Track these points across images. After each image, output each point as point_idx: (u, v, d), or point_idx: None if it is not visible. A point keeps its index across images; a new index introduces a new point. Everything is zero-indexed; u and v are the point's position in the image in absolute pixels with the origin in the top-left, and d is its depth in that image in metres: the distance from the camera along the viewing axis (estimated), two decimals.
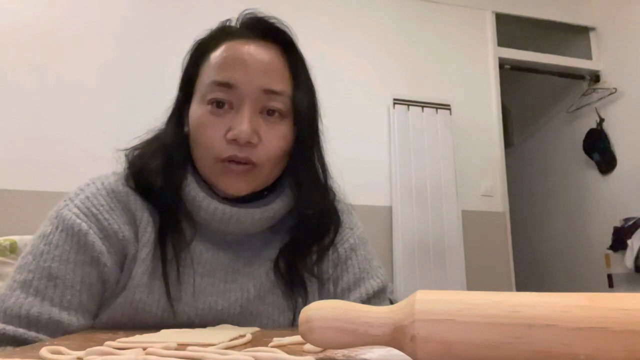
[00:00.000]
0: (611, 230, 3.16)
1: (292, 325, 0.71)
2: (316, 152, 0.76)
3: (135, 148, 0.72)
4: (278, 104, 0.69)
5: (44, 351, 0.40)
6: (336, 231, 0.78)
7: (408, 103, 3.01)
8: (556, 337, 0.32)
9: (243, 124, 0.65)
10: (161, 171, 0.69)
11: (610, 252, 3.19)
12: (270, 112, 0.69)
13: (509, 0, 3.39)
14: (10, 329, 0.58)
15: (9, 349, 0.57)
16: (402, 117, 2.97)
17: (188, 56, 0.74)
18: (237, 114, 0.67)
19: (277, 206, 0.72)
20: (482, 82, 3.25)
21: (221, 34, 0.72)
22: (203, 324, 0.67)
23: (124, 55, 2.64)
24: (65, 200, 0.67)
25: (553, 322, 0.32)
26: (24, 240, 1.65)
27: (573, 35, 3.57)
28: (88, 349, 0.39)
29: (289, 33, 0.74)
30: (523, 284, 3.29)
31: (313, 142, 0.75)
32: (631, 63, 3.26)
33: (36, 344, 0.53)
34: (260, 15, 0.73)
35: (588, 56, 3.53)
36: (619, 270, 3.15)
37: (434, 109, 3.03)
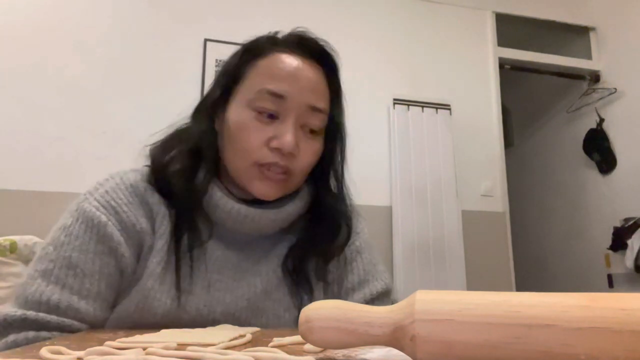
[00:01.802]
0: (611, 230, 3.16)
1: (297, 322, 0.72)
2: (339, 169, 0.81)
3: (160, 145, 0.75)
4: (317, 121, 0.73)
5: (44, 351, 0.40)
6: (348, 237, 0.80)
7: (408, 103, 3.01)
8: (556, 337, 0.32)
9: (289, 134, 0.69)
10: (184, 173, 0.71)
11: (610, 252, 3.19)
12: (308, 127, 0.73)
13: (509, 0, 3.39)
14: (31, 313, 0.61)
15: (31, 334, 0.60)
16: (402, 117, 2.97)
17: (235, 58, 0.76)
18: (281, 124, 0.70)
19: (291, 209, 0.75)
20: (482, 82, 3.25)
21: (270, 44, 0.75)
22: (211, 317, 0.69)
23: (125, 55, 2.64)
24: (85, 194, 0.70)
25: (553, 322, 0.32)
26: (24, 240, 1.64)
27: (573, 35, 3.57)
28: (88, 349, 0.39)
29: (335, 58, 0.78)
30: (523, 284, 3.29)
31: (338, 161, 0.80)
32: (631, 63, 3.26)
33: (36, 344, 0.53)
34: (312, 35, 0.77)
35: (588, 56, 3.53)
36: (619, 270, 3.15)
37: (434, 109, 3.03)
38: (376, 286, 0.79)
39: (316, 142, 0.74)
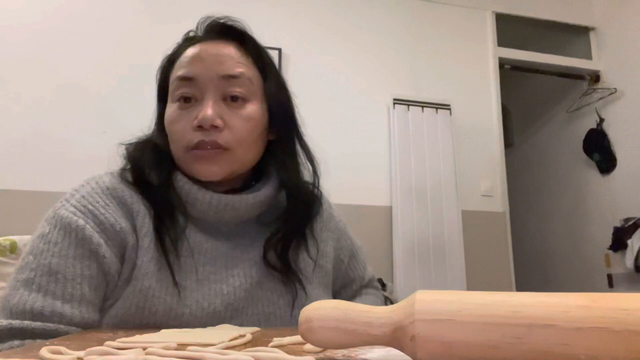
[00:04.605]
0: (611, 230, 3.16)
1: (293, 307, 0.75)
2: (296, 135, 0.81)
3: (132, 144, 0.77)
4: (238, 88, 0.73)
5: (44, 351, 0.40)
6: (316, 210, 0.82)
7: (408, 103, 3.01)
8: (556, 337, 0.32)
9: (206, 109, 0.70)
10: (153, 165, 0.73)
11: (610, 252, 3.19)
12: (233, 98, 0.73)
13: (509, 0, 3.40)
14: (16, 322, 0.60)
15: (16, 342, 0.59)
16: (402, 117, 2.97)
17: (159, 70, 0.80)
18: (200, 104, 0.72)
19: (268, 191, 0.77)
20: (482, 82, 3.25)
21: (185, 43, 0.78)
22: (212, 308, 0.69)
23: (125, 55, 2.64)
24: (61, 201, 0.70)
25: (553, 322, 0.32)
26: (24, 240, 1.64)
27: (573, 35, 3.57)
28: (88, 349, 0.39)
29: (240, 26, 0.78)
30: (523, 284, 3.29)
31: (290, 125, 0.80)
32: (631, 63, 3.26)
33: (36, 344, 0.54)
34: (213, 17, 0.79)
35: (588, 56, 3.53)
36: (619, 270, 3.15)
37: (434, 109, 3.03)
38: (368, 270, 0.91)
39: (247, 109, 0.74)
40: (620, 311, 0.32)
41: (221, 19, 0.78)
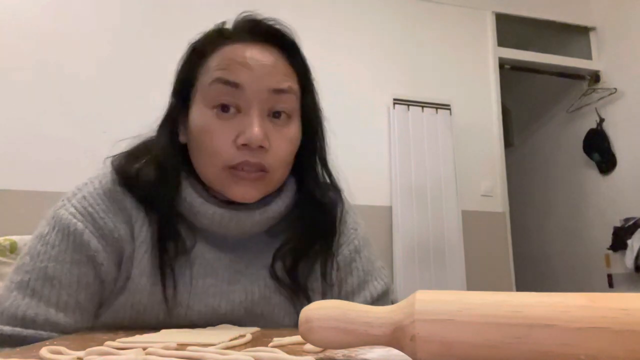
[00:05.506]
0: (611, 230, 3.16)
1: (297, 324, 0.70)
2: (322, 152, 0.76)
3: (125, 156, 0.71)
4: (285, 104, 0.67)
5: (44, 351, 0.40)
6: (334, 233, 0.75)
7: (408, 103, 3.01)
8: (556, 337, 0.32)
9: (254, 127, 0.63)
10: (154, 183, 0.67)
11: (610, 252, 3.19)
12: (276, 114, 0.67)
13: (509, 0, 3.40)
14: (7, 329, 0.59)
15: (7, 350, 0.58)
16: (402, 117, 2.97)
17: (183, 60, 0.72)
18: (245, 117, 0.65)
19: (277, 207, 0.71)
20: (482, 82, 3.25)
21: (218, 38, 0.69)
22: (206, 326, 0.66)
23: (124, 54, 2.64)
24: (62, 200, 0.67)
25: (553, 322, 0.32)
26: (24, 240, 1.64)
27: (573, 35, 3.57)
28: (88, 349, 0.39)
29: (290, 35, 0.72)
30: (523, 284, 3.29)
31: (320, 143, 0.75)
32: (631, 63, 3.26)
33: (36, 344, 0.53)
34: (259, 17, 0.71)
35: (588, 56, 3.53)
36: (619, 270, 3.15)
37: (434, 109, 3.03)
38: (376, 287, 0.76)
39: (290, 128, 0.68)
40: (620, 311, 0.32)
41: (269, 20, 0.71)
